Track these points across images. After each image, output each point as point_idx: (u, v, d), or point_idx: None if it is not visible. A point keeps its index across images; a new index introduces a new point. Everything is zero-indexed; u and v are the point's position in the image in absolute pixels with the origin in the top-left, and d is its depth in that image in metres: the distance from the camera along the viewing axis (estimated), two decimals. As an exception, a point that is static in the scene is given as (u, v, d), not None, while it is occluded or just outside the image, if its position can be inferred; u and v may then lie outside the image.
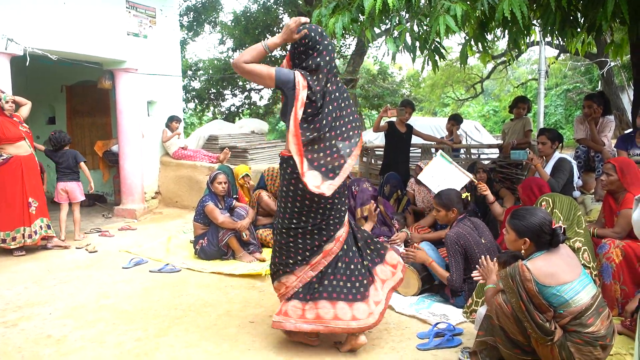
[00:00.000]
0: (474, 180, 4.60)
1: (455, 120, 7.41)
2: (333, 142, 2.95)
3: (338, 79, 3.09)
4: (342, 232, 3.10)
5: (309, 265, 3.06)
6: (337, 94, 3.02)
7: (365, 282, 3.07)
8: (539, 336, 2.44)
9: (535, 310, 2.44)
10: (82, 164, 6.35)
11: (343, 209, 3.14)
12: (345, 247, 3.11)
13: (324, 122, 2.92)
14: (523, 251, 2.68)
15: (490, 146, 6.98)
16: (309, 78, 2.90)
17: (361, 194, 4.68)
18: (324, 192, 2.84)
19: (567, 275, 2.48)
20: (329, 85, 2.98)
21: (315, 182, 2.85)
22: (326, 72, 2.95)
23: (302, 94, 2.86)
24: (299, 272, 3.07)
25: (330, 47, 3.00)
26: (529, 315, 2.44)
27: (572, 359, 2.43)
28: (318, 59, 2.94)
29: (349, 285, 3.03)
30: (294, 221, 3.02)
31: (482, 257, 3.02)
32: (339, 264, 3.06)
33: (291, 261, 3.07)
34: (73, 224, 6.30)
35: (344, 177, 2.96)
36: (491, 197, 4.60)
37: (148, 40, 7.80)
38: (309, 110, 2.91)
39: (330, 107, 2.96)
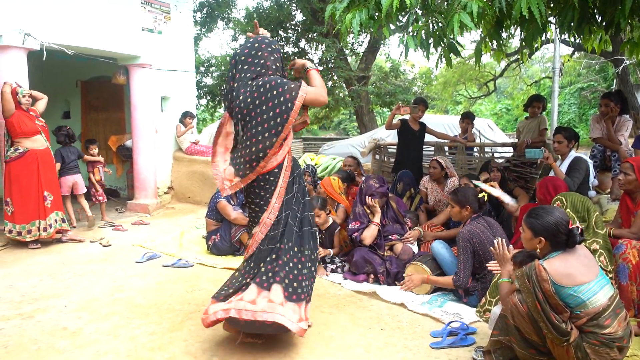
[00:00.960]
0: (484, 192, 4.49)
1: (469, 118, 7.37)
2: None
3: None
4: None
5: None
6: None
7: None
8: (555, 337, 2.42)
9: (552, 311, 2.42)
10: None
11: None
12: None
13: None
14: (538, 250, 2.66)
15: (504, 144, 6.93)
16: None
17: (367, 189, 4.69)
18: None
19: (584, 276, 2.46)
20: None
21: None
22: None
23: None
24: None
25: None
26: (544, 316, 2.42)
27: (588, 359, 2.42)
28: None
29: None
30: None
31: (496, 240, 2.99)
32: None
33: None
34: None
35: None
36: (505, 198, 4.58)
37: (162, 36, 7.84)
38: None
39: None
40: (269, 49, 3.16)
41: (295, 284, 3.02)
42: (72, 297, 4.05)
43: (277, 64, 3.18)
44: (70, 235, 5.89)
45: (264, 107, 3.02)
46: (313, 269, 3.22)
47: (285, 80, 3.08)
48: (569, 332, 2.41)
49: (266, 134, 3.02)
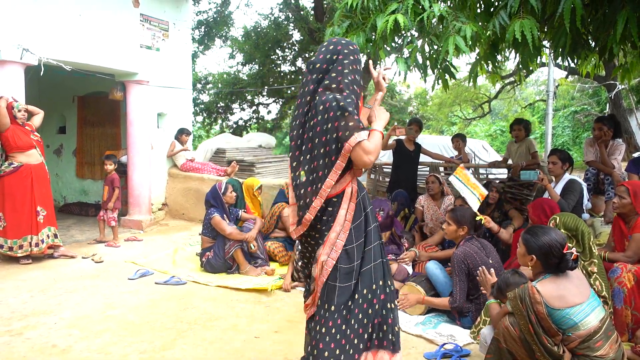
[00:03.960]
0: (481, 216, 4.47)
1: (461, 137, 7.46)
2: None
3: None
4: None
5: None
6: None
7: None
8: (548, 360, 2.41)
9: (544, 334, 2.42)
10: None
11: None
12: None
13: None
14: (530, 268, 2.68)
15: (499, 166, 6.96)
16: None
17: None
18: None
19: (576, 297, 2.46)
20: None
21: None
22: None
23: None
24: None
25: None
26: (537, 339, 2.42)
27: (582, 383, 2.41)
28: None
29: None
30: None
31: (480, 268, 3.01)
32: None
33: None
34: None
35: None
36: (495, 228, 4.58)
37: (160, 53, 7.89)
38: None
39: None
40: (349, 55, 2.53)
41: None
42: (63, 314, 4.00)
43: (352, 76, 2.51)
44: (62, 251, 5.84)
45: (319, 138, 2.43)
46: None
47: (348, 112, 2.37)
48: (561, 355, 2.41)
49: (315, 174, 2.45)
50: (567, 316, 2.41)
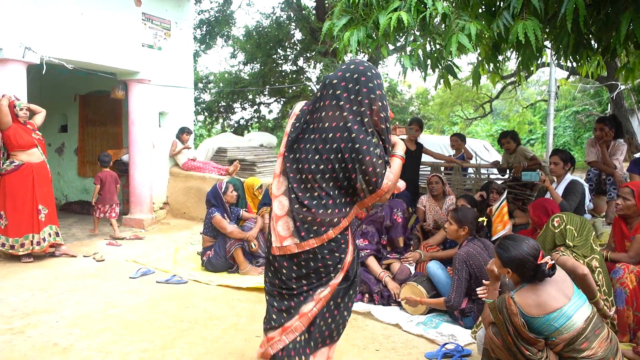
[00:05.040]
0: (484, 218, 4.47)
1: (459, 136, 7.47)
2: None
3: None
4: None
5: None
6: None
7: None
8: (532, 367, 2.39)
9: (523, 344, 2.40)
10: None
11: None
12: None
13: None
14: (508, 280, 2.68)
15: (500, 166, 6.94)
16: None
17: (393, 226, 4.75)
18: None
19: (556, 301, 2.43)
20: None
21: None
22: None
23: None
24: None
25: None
26: (518, 349, 2.41)
27: (571, 384, 2.39)
28: None
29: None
30: None
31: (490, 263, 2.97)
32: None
33: None
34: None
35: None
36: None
37: (162, 52, 7.89)
38: None
39: None
40: (371, 80, 2.41)
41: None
42: (64, 313, 4.00)
43: (375, 105, 2.44)
44: (64, 249, 5.84)
45: (341, 175, 2.37)
46: None
47: (378, 153, 2.38)
48: None
49: (329, 210, 2.37)
50: (548, 322, 2.39)
